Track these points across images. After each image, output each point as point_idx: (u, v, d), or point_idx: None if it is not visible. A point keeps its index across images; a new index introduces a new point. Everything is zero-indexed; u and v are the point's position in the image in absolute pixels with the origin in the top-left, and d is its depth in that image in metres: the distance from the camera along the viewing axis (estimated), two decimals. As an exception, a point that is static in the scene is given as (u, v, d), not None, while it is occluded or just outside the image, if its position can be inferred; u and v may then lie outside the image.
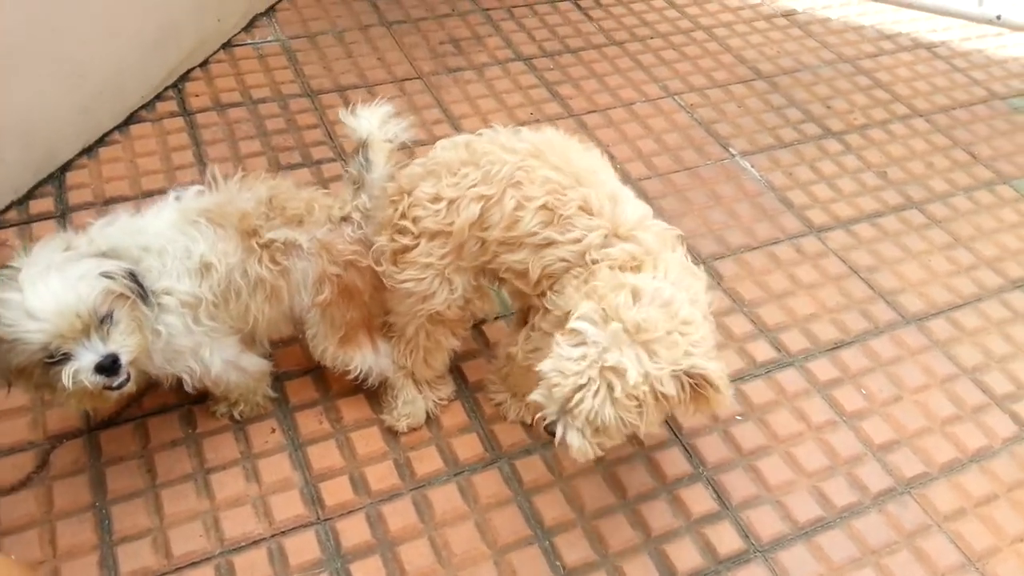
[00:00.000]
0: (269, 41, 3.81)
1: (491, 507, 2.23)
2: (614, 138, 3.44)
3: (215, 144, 3.24)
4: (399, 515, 2.20)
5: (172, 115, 3.35)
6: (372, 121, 2.11)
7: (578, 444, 1.75)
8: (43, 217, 2.90)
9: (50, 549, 2.07)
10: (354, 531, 2.16)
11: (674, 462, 2.36)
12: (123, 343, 1.80)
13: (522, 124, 3.46)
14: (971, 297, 2.92)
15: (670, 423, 2.45)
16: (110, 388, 1.82)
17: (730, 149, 3.45)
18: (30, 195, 2.96)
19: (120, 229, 1.97)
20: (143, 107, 3.35)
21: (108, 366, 1.78)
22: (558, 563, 2.14)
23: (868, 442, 2.46)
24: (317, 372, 2.49)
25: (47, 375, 1.78)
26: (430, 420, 2.39)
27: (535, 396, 1.78)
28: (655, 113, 3.60)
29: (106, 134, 3.21)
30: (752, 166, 3.38)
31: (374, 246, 2.12)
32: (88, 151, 3.14)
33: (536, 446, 2.37)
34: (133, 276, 1.84)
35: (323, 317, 2.14)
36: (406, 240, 2.04)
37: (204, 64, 3.61)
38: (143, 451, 2.28)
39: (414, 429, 2.36)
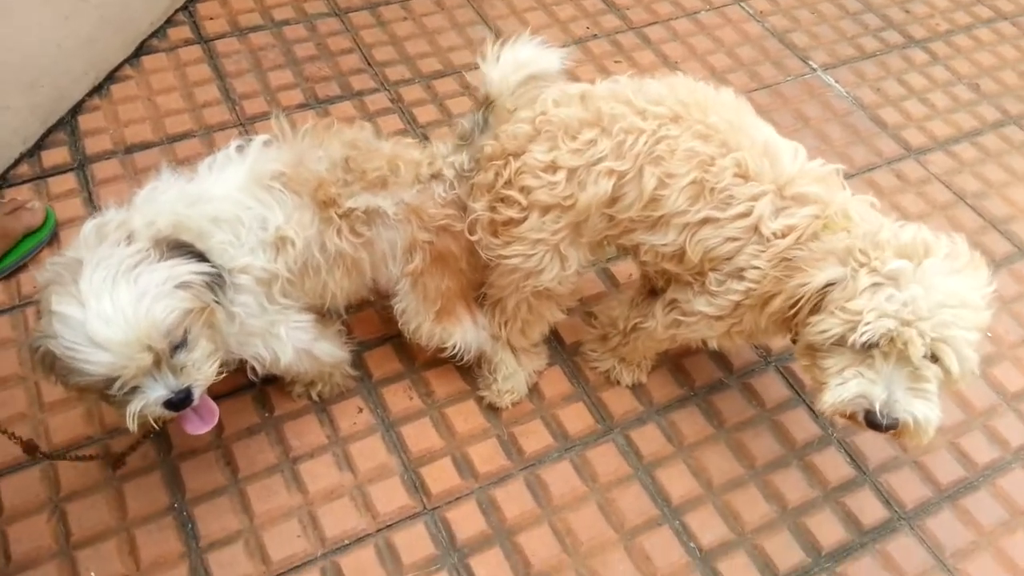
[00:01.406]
0: (282, -49, 3.37)
1: (612, 485, 2.03)
2: (682, 54, 3.11)
3: (241, 76, 2.87)
4: (513, 500, 1.99)
5: (187, 43, 2.95)
6: (508, 76, 1.73)
7: (931, 413, 1.50)
8: (59, 170, 2.55)
9: (132, 562, 1.85)
10: (467, 521, 1.95)
11: (800, 424, 2.16)
12: (197, 374, 1.53)
13: (578, 41, 3.13)
14: (1086, 222, 2.71)
15: (791, 380, 2.25)
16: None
17: (810, 62, 3.14)
18: (41, 144, 2.61)
19: (178, 197, 1.65)
20: (154, 35, 2.95)
21: (179, 402, 1.52)
22: (692, 544, 1.95)
23: (1001, 390, 2.28)
24: (398, 340, 2.24)
25: (109, 399, 1.51)
26: (530, 390, 2.16)
27: (855, 392, 1.51)
28: (723, 23, 3.26)
29: (116, 68, 2.83)
30: (836, 81, 3.08)
31: (469, 213, 1.82)
32: (98, 89, 2.77)
33: (650, 413, 2.16)
34: (216, 276, 1.54)
35: (414, 289, 1.86)
36: (511, 212, 1.74)
37: (215, -19, 3.19)
38: (218, 440, 2.04)
39: (516, 404, 2.13)
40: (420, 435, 2.08)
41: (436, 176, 1.85)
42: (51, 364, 1.48)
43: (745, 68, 3.08)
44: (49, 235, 2.36)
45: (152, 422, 1.53)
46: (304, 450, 2.03)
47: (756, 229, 1.62)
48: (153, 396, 1.49)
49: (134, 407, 1.49)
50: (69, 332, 1.40)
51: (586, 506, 1.99)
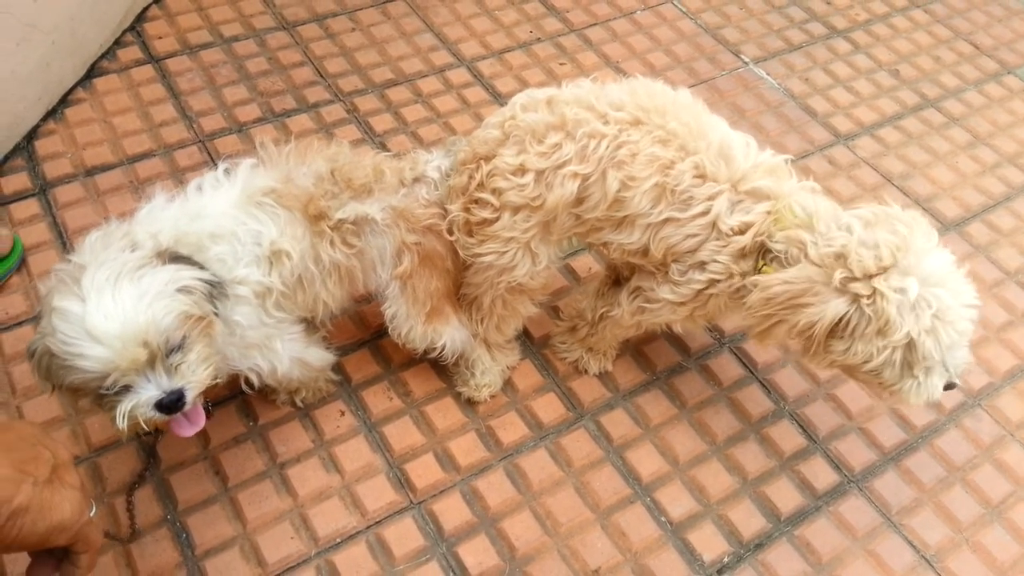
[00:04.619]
0: (225, -34, 3.41)
1: (586, 469, 2.16)
2: (623, 54, 3.25)
3: (195, 94, 2.91)
4: (494, 489, 2.10)
5: (138, 63, 2.98)
6: None
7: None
8: (20, 196, 2.56)
9: (129, 574, 1.91)
10: (452, 511, 2.06)
11: (755, 400, 2.33)
12: (192, 378, 1.55)
13: (523, 45, 3.24)
14: (1001, 197, 2.93)
15: (744, 360, 2.41)
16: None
17: (742, 56, 3.31)
18: (-1, 171, 2.62)
19: (177, 213, 1.72)
20: (104, 56, 2.97)
21: (170, 404, 1.54)
22: (663, 519, 2.10)
23: (933, 357, 2.47)
24: (372, 343, 2.33)
25: (99, 400, 1.54)
26: (504, 384, 2.28)
27: (940, 384, 1.71)
28: (659, 22, 3.41)
29: (68, 92, 2.84)
30: (768, 74, 3.25)
31: (447, 214, 1.93)
32: (52, 114, 2.78)
33: (618, 399, 2.29)
34: (214, 286, 1.61)
35: (404, 291, 1.95)
36: (485, 213, 1.86)
37: (159, 0, 3.20)
38: (205, 452, 2.11)
39: (493, 397, 2.24)
40: (402, 433, 2.18)
41: (419, 179, 1.96)
42: (47, 365, 1.51)
43: (682, 65, 3.24)
44: (18, 262, 2.38)
45: (143, 424, 1.55)
46: (290, 455, 2.12)
47: (714, 226, 1.76)
48: (145, 396, 1.51)
49: (125, 406, 1.50)
50: (67, 326, 1.44)
51: (563, 490, 2.12)
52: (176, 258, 1.59)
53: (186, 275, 1.56)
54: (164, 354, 1.52)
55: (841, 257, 1.65)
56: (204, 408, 2.03)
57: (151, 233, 1.63)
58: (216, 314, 1.64)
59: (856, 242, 1.65)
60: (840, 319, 1.66)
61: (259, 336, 1.81)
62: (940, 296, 1.62)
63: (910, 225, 1.69)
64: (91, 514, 1.33)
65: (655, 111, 1.77)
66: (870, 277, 1.62)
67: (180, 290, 1.54)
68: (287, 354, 1.88)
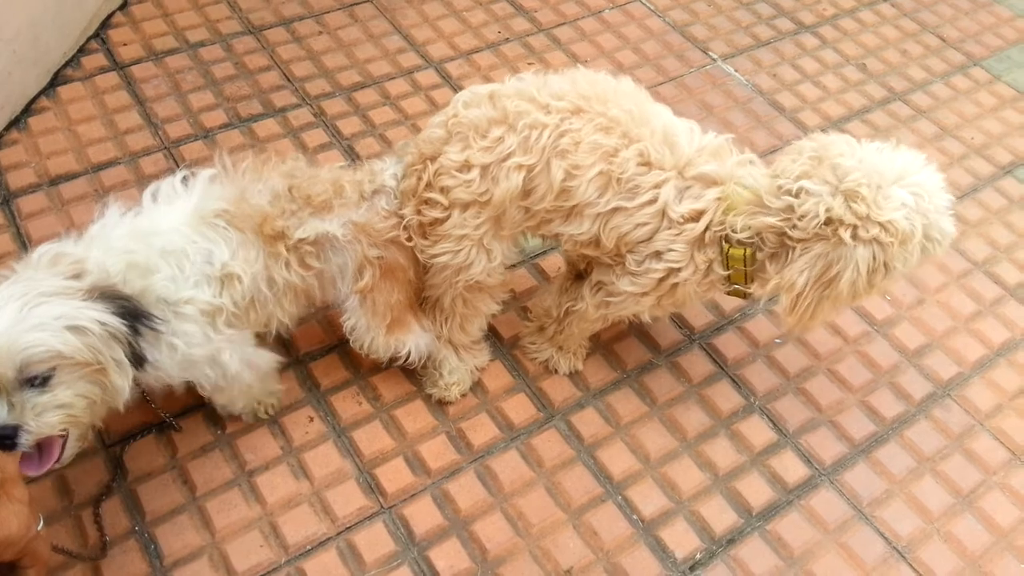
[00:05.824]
0: (191, -29, 3.38)
1: (557, 469, 2.16)
2: (591, 52, 3.25)
3: (160, 100, 2.88)
4: (465, 492, 2.10)
5: (103, 70, 2.95)
6: None
7: None
8: (-17, 207, 2.54)
9: (98, 586, 1.89)
10: (423, 516, 2.05)
11: (725, 396, 2.33)
12: (32, 420, 1.48)
13: (491, 45, 3.24)
14: (968, 188, 2.95)
15: (714, 356, 2.41)
16: None
17: (710, 53, 3.32)
18: (-40, 183, 2.59)
19: (128, 231, 1.69)
20: (67, 64, 2.94)
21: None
22: (635, 516, 2.09)
23: (903, 349, 2.49)
24: (341, 348, 2.32)
25: None
26: (474, 385, 2.27)
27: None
28: (627, 20, 3.41)
29: (32, 101, 2.81)
30: (736, 70, 3.26)
31: (402, 220, 1.92)
32: (16, 123, 2.75)
33: (588, 398, 2.29)
34: (143, 322, 1.57)
35: (363, 305, 1.94)
36: (435, 213, 1.86)
37: (124, 6, 3.18)
38: (173, 462, 2.09)
39: (463, 396, 2.23)
40: (371, 438, 2.17)
41: (379, 190, 1.94)
42: None
43: (651, 63, 3.24)
44: (-20, 273, 2.35)
45: None
46: (259, 463, 2.10)
47: (664, 214, 1.77)
48: None
49: None
50: None
51: (534, 490, 2.11)
52: (108, 296, 1.54)
53: (88, 315, 1.49)
54: (13, 386, 1.46)
55: (831, 221, 1.65)
56: (169, 421, 2.05)
57: (101, 262, 1.59)
58: (137, 360, 1.59)
59: (829, 197, 1.65)
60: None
61: (205, 352, 1.77)
62: (919, 182, 1.66)
63: (842, 151, 1.69)
64: (39, 528, 1.31)
65: (596, 99, 1.78)
66: (867, 217, 1.63)
67: (71, 328, 1.47)
68: (236, 358, 1.85)
